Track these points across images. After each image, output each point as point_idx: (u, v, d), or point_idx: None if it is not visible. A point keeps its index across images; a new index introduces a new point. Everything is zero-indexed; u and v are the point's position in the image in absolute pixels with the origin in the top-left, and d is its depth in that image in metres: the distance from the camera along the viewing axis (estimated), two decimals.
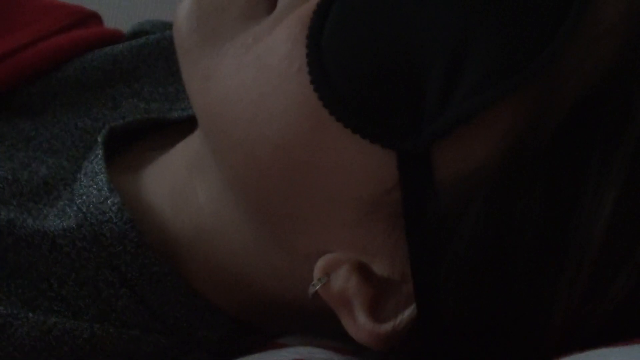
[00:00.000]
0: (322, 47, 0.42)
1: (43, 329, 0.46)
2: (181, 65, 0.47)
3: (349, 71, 0.41)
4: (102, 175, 0.51)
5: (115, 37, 0.65)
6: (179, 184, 0.51)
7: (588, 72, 0.40)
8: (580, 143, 0.40)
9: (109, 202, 0.49)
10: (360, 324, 0.44)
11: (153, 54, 0.63)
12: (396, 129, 0.41)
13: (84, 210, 0.50)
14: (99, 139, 0.54)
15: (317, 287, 0.45)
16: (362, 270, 0.44)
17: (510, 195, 0.41)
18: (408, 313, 0.44)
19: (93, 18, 0.66)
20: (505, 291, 0.42)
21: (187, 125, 0.57)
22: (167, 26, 0.68)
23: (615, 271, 0.40)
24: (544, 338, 0.42)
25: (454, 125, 0.40)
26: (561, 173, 0.40)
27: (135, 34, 0.67)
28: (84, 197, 0.50)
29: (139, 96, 0.61)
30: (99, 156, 0.52)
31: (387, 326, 0.44)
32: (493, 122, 0.41)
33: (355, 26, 0.41)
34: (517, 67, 0.39)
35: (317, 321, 0.48)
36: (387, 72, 0.41)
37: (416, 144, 0.41)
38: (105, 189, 0.50)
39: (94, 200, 0.50)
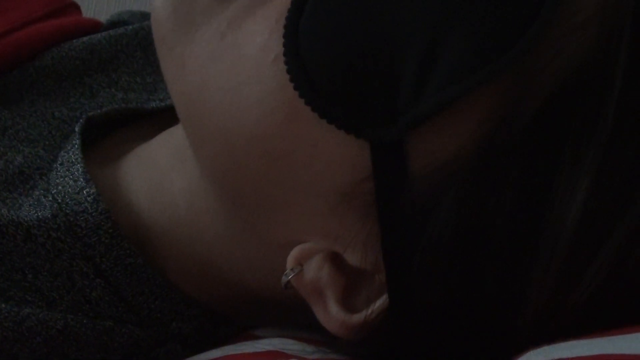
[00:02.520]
0: (298, 38, 0.41)
1: (16, 320, 0.47)
2: (158, 52, 0.47)
3: (325, 62, 0.41)
4: (78, 165, 0.51)
5: (93, 27, 0.65)
6: (156, 175, 0.51)
7: (562, 64, 0.40)
8: (553, 134, 0.40)
9: (84, 192, 0.49)
10: (332, 314, 0.44)
11: (131, 44, 0.63)
12: (370, 119, 0.41)
13: (59, 200, 0.50)
14: (76, 129, 0.54)
15: (290, 277, 0.45)
16: (335, 260, 0.45)
17: (483, 186, 0.41)
18: (379, 303, 0.44)
19: (71, 7, 0.66)
20: (477, 282, 0.42)
21: (165, 115, 0.57)
22: (146, 16, 0.68)
23: (586, 263, 0.40)
24: (515, 329, 0.42)
25: (428, 115, 0.40)
26: (534, 164, 0.40)
27: (114, 23, 0.67)
28: (60, 187, 0.50)
29: (116, 86, 0.61)
30: (76, 146, 0.52)
31: (359, 316, 0.44)
32: (467, 113, 0.41)
33: (332, 17, 0.41)
34: (491, 58, 0.39)
35: (291, 312, 0.49)
36: (363, 63, 0.41)
37: (390, 134, 0.41)
38: (81, 179, 0.50)
39: (69, 190, 0.50)
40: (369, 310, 0.44)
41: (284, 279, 0.45)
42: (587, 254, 0.40)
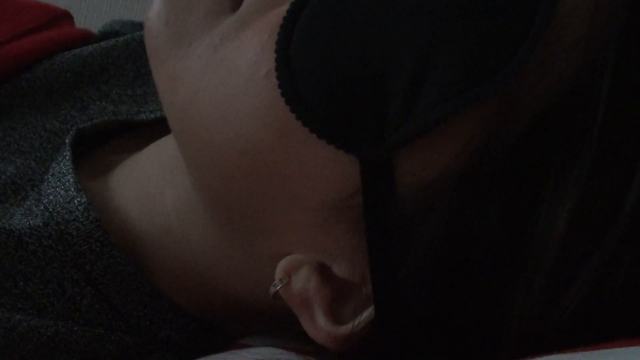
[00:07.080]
0: (290, 54, 0.42)
1: (7, 327, 0.47)
2: (151, 64, 0.47)
3: (316, 78, 0.42)
4: (69, 175, 0.51)
5: (85, 38, 0.65)
6: (147, 186, 0.52)
7: (548, 86, 0.41)
8: (538, 155, 0.41)
9: (75, 201, 0.50)
10: (319, 325, 0.45)
11: (122, 56, 0.63)
12: (360, 136, 0.42)
13: (51, 209, 0.50)
14: (67, 141, 0.54)
15: (278, 288, 0.45)
16: (323, 272, 0.45)
17: (469, 204, 0.41)
18: (366, 315, 0.45)
19: (64, 17, 0.66)
20: (462, 296, 0.42)
21: (155, 127, 0.58)
22: (137, 26, 0.68)
23: (569, 280, 0.41)
24: (500, 343, 0.42)
25: (416, 134, 0.41)
26: (520, 183, 0.41)
27: (105, 34, 0.67)
28: (51, 196, 0.51)
29: (107, 98, 0.61)
30: (67, 157, 0.52)
31: (346, 328, 0.45)
32: (455, 132, 0.41)
33: (324, 34, 0.42)
34: (479, 80, 0.40)
35: (280, 322, 0.49)
36: (353, 81, 0.41)
37: (379, 152, 0.41)
38: (72, 189, 0.50)
39: (60, 200, 0.50)
40: (356, 322, 0.45)
41: (272, 290, 0.45)
42: (569, 273, 0.41)
